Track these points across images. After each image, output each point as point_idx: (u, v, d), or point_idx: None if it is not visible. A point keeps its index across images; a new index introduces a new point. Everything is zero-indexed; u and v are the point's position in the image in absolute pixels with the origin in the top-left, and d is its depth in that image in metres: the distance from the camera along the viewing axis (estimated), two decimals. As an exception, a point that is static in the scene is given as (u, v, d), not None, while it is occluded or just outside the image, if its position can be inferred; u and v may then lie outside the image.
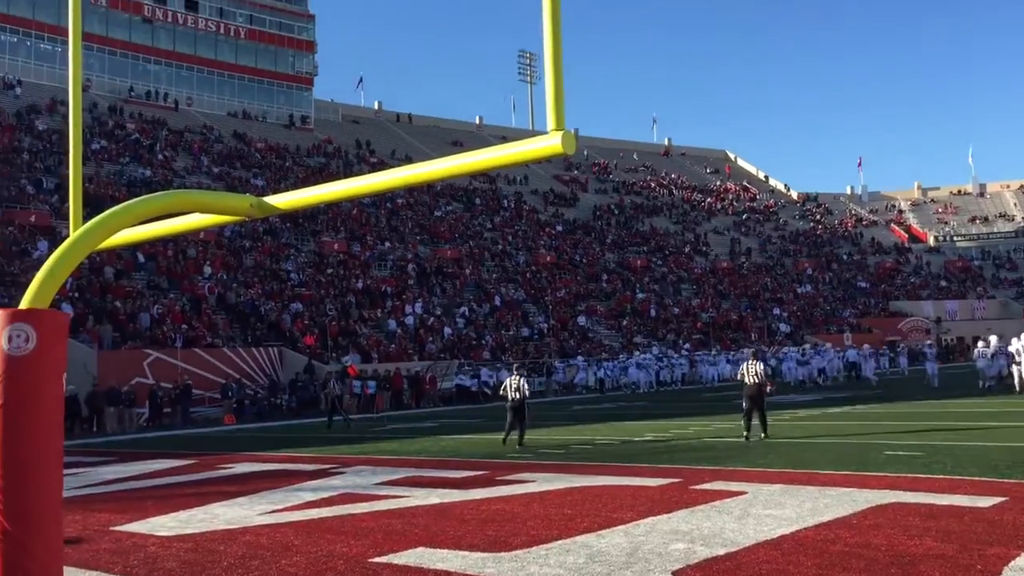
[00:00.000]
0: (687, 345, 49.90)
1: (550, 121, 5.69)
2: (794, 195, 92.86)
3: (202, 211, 7.60)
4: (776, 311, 59.48)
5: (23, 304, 6.25)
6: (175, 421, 30.22)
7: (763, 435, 16.70)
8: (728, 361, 43.98)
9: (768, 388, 17.80)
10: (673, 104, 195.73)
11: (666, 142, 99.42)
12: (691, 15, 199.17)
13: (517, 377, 17.96)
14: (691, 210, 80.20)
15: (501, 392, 18.64)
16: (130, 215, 6.88)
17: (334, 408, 26.53)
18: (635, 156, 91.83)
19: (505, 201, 68.15)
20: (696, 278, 63.58)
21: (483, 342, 44.01)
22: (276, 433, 25.09)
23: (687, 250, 69.27)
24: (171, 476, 15.49)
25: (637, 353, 44.90)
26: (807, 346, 43.73)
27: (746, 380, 17.07)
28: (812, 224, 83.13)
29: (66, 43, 51.64)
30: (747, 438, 16.60)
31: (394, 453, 17.72)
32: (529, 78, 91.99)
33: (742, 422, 17.20)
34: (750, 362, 17.31)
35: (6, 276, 32.42)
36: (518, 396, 17.57)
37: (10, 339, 5.83)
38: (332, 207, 51.07)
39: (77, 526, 10.14)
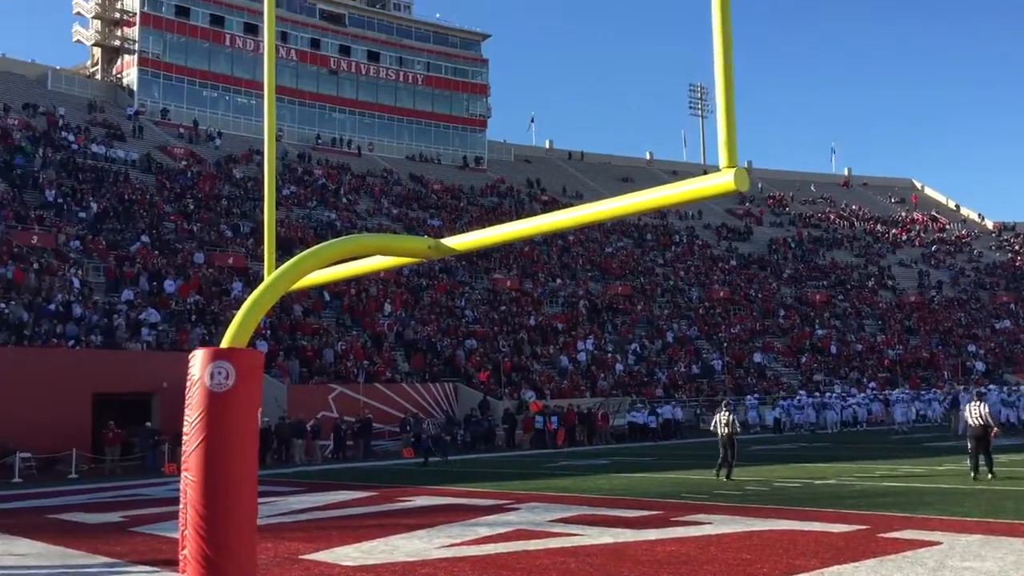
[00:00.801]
0: (872, 384, 47.49)
1: (722, 158, 5.63)
2: (989, 225, 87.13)
3: (383, 253, 7.96)
4: (971, 348, 55.75)
5: (223, 343, 6.72)
6: (357, 453, 31.37)
7: (990, 475, 16.80)
8: (920, 400, 41.50)
9: (993, 431, 17.41)
10: (852, 132, 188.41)
11: (846, 172, 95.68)
12: (868, 38, 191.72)
13: (726, 413, 18.96)
14: (874, 242, 76.65)
15: (712, 428, 19.66)
16: (318, 259, 7.29)
17: (430, 448, 27.16)
18: (812, 187, 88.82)
19: (677, 236, 67.41)
20: (881, 313, 60.57)
21: (655, 379, 43.50)
22: (451, 467, 25.62)
23: (871, 284, 66.17)
24: (354, 507, 16.08)
25: (817, 392, 43.12)
26: (1013, 386, 40.80)
27: (970, 421, 17.39)
28: (1010, 255, 77.64)
29: (261, 96, 55.23)
30: (975, 477, 16.71)
31: (567, 490, 17.72)
32: (700, 111, 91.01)
33: (968, 463, 17.26)
34: (974, 403, 17.68)
35: (207, 314, 34.79)
36: (728, 431, 18.47)
37: (212, 376, 6.28)
38: (504, 245, 52.10)
39: (269, 553, 10.69)
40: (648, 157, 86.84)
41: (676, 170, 79.77)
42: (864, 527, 11.34)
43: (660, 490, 17.04)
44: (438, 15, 75.91)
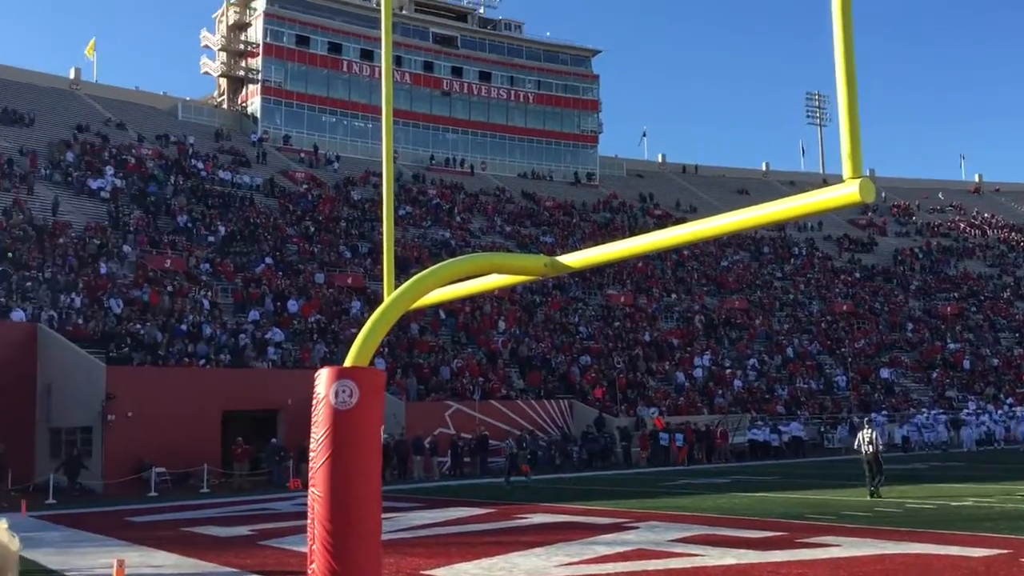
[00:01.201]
0: (1010, 400, 45.10)
1: (846, 169, 5.47)
2: None
3: (500, 272, 8.03)
4: (1119, 361, 52.31)
5: (347, 362, 6.90)
6: (474, 470, 31.63)
7: None
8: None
9: None
10: (983, 137, 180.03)
11: (976, 179, 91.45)
12: (996, 35, 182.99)
13: (869, 430, 19.13)
14: (1008, 251, 72.93)
15: (855, 447, 19.86)
16: (436, 279, 7.41)
17: (512, 468, 26.35)
18: (940, 195, 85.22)
19: (796, 248, 65.70)
20: (1018, 326, 57.50)
21: (775, 395, 42.40)
22: (569, 485, 25.54)
23: (1006, 295, 62.93)
24: (473, 524, 16.22)
25: (950, 409, 41.21)
26: None
27: None
28: None
29: (378, 120, 56.48)
30: None
31: (686, 509, 17.43)
32: (818, 120, 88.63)
33: None
34: None
35: (328, 333, 35.78)
36: (871, 448, 18.56)
37: (336, 394, 6.45)
38: (618, 261, 51.83)
39: (391, 569, 10.87)
40: (764, 168, 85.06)
41: (793, 180, 77.83)
42: (1005, 551, 10.76)
43: (784, 510, 16.57)
44: (548, 33, 76.37)
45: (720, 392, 41.13)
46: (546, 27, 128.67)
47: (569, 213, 63.46)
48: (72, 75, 56.66)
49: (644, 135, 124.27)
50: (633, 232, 52.75)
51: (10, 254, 32.32)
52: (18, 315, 28.44)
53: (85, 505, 21.82)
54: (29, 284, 31.02)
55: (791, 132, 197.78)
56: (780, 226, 66.79)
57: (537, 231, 57.80)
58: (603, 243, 8.31)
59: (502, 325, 42.50)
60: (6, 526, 2.35)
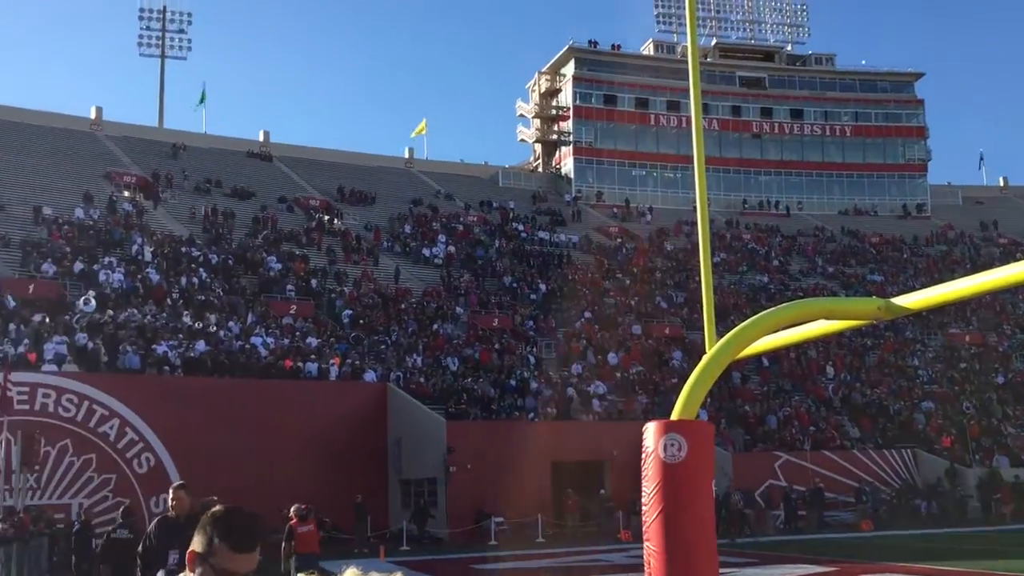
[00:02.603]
0: None
1: None
2: None
3: (829, 317, 7.67)
4: None
5: (674, 415, 6.89)
6: (810, 524, 30.06)
7: None
8: None
9: None
10: None
11: None
12: None
13: None
14: None
15: None
16: (760, 328, 7.23)
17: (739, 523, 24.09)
18: None
19: None
20: None
21: None
22: (917, 542, 23.51)
23: None
24: (812, 582, 15.37)
25: None
26: None
27: None
28: None
29: (687, 170, 56.46)
30: None
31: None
32: None
33: None
34: None
35: (650, 384, 35.93)
36: None
37: (665, 448, 6.45)
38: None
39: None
40: None
41: None
42: None
43: None
44: (864, 61, 72.70)
45: (1096, 439, 36.09)
46: (859, 56, 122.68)
47: (898, 248, 59.35)
48: (406, 154, 62.35)
49: (982, 159, 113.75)
50: (976, 265, 48.11)
51: (362, 320, 35.87)
52: (370, 376, 31.41)
53: (434, 552, 23.40)
54: (383, 347, 34.16)
55: None
56: None
57: (863, 270, 54.57)
58: (940, 278, 7.67)
59: (830, 370, 40.35)
60: (358, 572, 2.51)
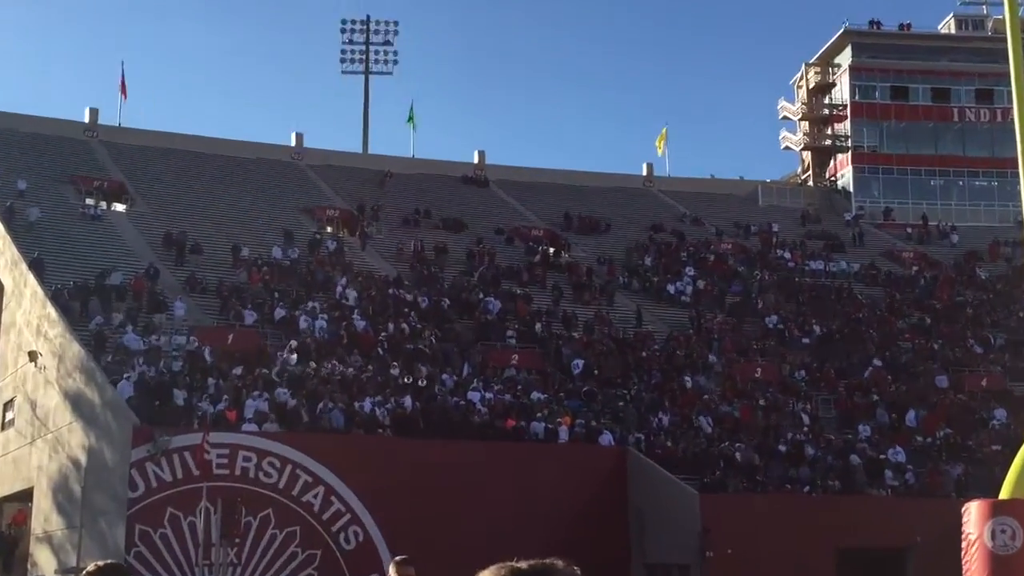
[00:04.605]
0: None
1: None
2: None
3: None
4: None
5: (1003, 493, 6.43)
6: None
7: None
8: None
9: None
10: None
11: None
12: None
13: None
14: None
15: None
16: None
17: None
18: None
19: None
20: None
21: None
22: None
23: None
24: None
25: None
26: None
27: None
28: None
29: (1004, 176, 53.29)
30: None
31: None
32: None
33: None
34: None
35: (963, 451, 33.84)
36: None
37: (994, 535, 6.02)
38: None
39: None
40: None
41: None
42: None
43: None
44: None
45: None
46: None
47: None
48: (644, 171, 62.57)
49: None
50: None
51: (595, 371, 36.05)
52: (606, 438, 31.44)
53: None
54: (621, 404, 34.15)
55: None
56: None
57: None
58: None
59: None
60: None
